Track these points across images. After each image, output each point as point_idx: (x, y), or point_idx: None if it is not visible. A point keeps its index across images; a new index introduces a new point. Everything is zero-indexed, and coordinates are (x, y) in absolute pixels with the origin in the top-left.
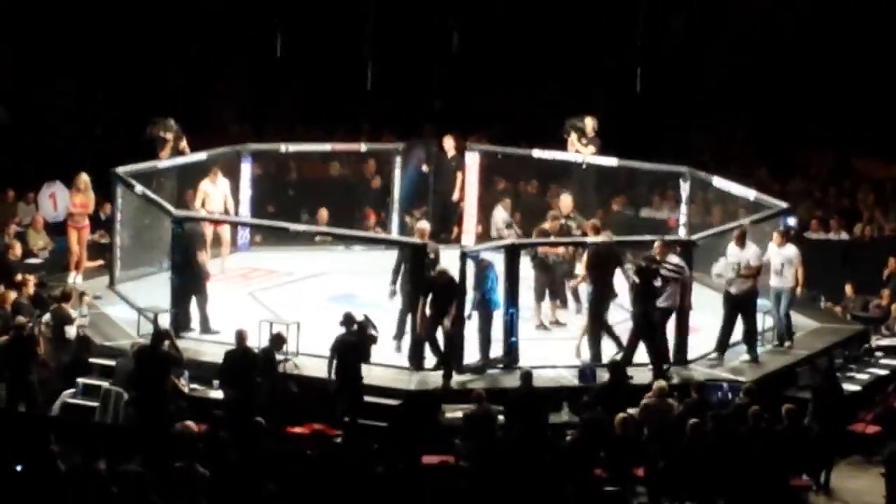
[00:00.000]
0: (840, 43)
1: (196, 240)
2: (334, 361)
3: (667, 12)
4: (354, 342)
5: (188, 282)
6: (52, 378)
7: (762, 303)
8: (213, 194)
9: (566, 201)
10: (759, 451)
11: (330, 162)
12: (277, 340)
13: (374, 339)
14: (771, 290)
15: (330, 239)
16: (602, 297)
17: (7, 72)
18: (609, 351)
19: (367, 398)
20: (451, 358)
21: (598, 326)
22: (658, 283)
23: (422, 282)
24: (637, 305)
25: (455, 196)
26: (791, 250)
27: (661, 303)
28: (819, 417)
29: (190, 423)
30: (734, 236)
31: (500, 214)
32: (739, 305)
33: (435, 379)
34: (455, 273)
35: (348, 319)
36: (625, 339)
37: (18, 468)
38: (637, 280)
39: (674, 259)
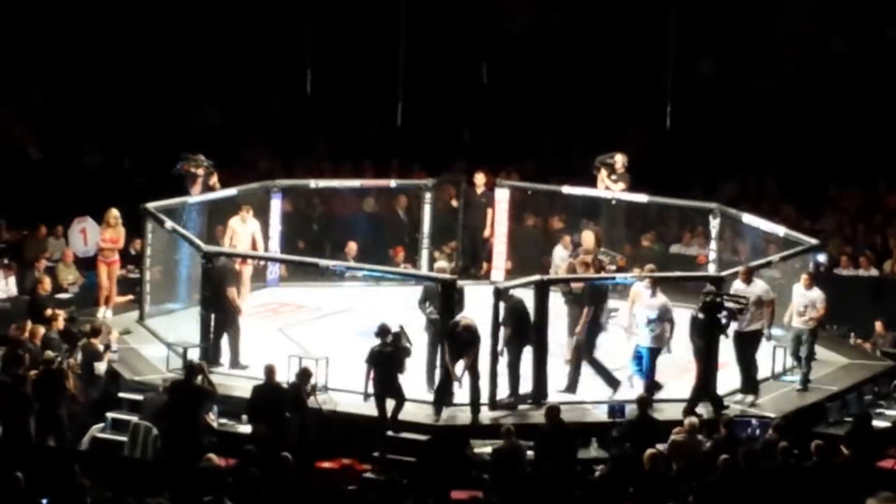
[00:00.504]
0: (870, 79)
1: (227, 276)
2: (371, 373)
3: (697, 51)
4: (390, 353)
5: (220, 317)
6: (82, 412)
7: (777, 333)
8: (242, 233)
9: (588, 237)
10: (789, 488)
11: (364, 197)
12: (304, 375)
13: (408, 352)
14: (791, 330)
15: (362, 275)
16: (593, 332)
17: (38, 111)
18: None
19: (396, 434)
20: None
21: (589, 359)
22: (722, 316)
23: (450, 319)
24: (698, 338)
25: (486, 232)
26: (816, 293)
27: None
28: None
29: (212, 455)
30: (740, 273)
31: (560, 253)
32: (747, 342)
33: (463, 415)
34: (480, 322)
35: (383, 330)
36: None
37: (45, 502)
38: (700, 315)
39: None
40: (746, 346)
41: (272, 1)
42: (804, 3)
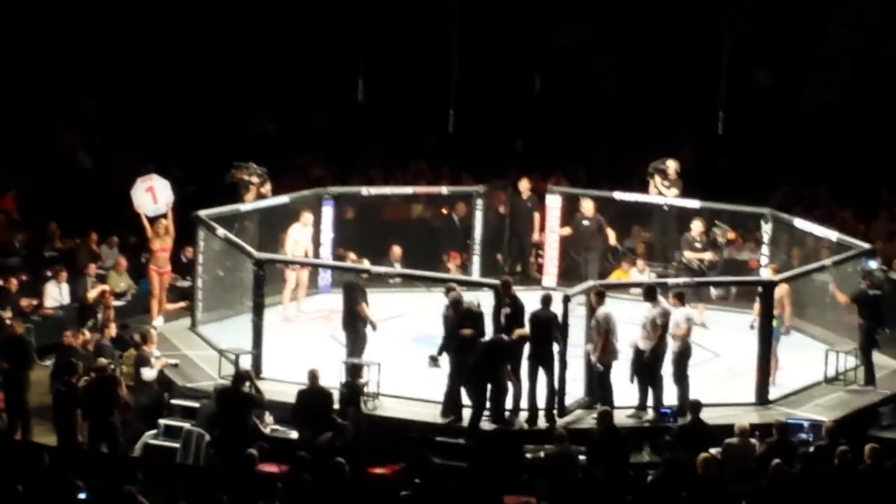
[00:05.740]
0: None
1: (354, 291)
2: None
3: (751, 58)
4: (455, 321)
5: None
6: (134, 419)
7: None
8: (303, 239)
9: (587, 205)
10: (843, 491)
11: (412, 204)
12: (354, 371)
13: (479, 330)
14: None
15: (399, 280)
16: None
17: (90, 121)
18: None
19: (449, 439)
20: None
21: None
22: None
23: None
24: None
25: (535, 237)
26: (681, 313)
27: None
28: None
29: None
30: (642, 290)
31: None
32: (642, 362)
33: (518, 419)
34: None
35: (451, 294)
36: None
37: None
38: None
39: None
40: (645, 367)
41: (324, 10)
42: (857, 11)
